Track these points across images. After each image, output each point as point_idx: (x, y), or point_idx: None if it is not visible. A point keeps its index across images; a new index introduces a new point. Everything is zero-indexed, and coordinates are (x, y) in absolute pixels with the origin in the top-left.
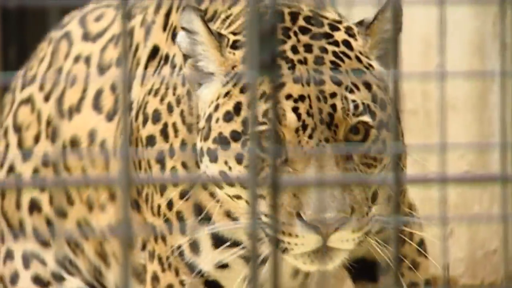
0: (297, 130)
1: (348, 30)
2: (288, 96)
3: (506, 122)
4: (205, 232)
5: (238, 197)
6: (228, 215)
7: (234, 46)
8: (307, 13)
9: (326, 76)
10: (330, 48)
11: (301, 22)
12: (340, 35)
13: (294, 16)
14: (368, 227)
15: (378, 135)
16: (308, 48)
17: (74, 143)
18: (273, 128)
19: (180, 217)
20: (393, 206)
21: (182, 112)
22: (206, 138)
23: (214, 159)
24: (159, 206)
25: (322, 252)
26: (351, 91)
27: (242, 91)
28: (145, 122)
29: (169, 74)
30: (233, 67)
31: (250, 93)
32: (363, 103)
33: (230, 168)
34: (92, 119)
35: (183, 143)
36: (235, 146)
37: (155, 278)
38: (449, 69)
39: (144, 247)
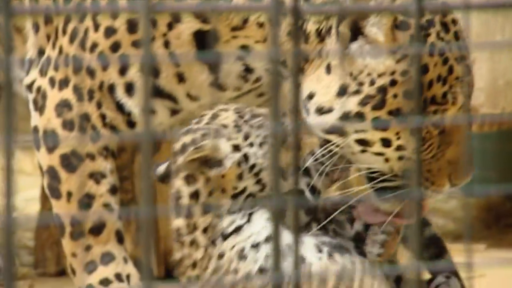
0: (459, 108)
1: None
2: (457, 78)
3: None
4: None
5: (364, 143)
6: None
7: (401, 26)
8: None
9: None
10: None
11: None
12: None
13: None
14: None
15: None
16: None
17: None
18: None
19: (121, 56)
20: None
21: None
22: (377, 108)
23: (383, 128)
24: (95, 44)
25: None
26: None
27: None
28: None
29: None
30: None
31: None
32: None
33: (398, 138)
34: None
35: None
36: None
37: (66, 106)
38: None
39: (43, 72)
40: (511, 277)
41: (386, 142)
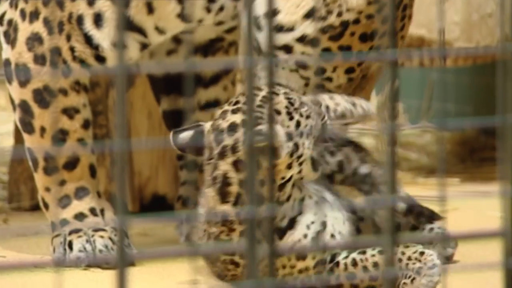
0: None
1: None
2: None
3: None
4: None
5: (302, 64)
6: None
7: None
8: None
9: None
10: None
11: None
12: None
13: None
14: None
15: None
16: None
17: None
18: None
19: None
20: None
21: None
22: (334, 39)
23: (327, 60)
24: None
25: None
26: None
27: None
28: None
29: None
30: None
31: None
32: None
33: (333, 71)
34: None
35: None
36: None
37: (37, 39)
38: None
39: (13, 4)
40: (484, 210)
41: (320, 71)
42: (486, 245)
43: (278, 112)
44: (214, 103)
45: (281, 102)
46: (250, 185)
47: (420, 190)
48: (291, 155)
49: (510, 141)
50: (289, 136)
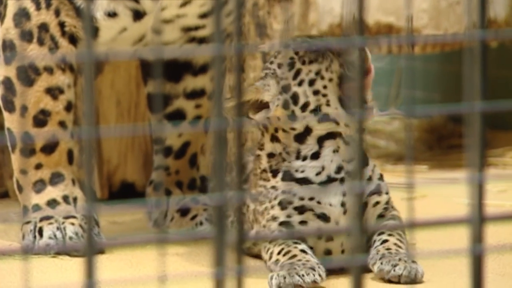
0: None
1: None
2: None
3: None
4: None
5: None
6: None
7: None
8: None
9: None
10: None
11: None
12: None
13: None
14: None
15: None
16: None
17: None
18: None
19: None
20: None
21: None
22: None
23: None
24: None
25: None
26: None
27: None
28: None
29: None
30: None
31: None
32: None
33: None
34: None
35: None
36: None
37: (24, 15)
38: None
39: None
40: (452, 197)
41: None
42: (453, 232)
43: (280, 65)
44: (200, 92)
45: (287, 54)
46: (219, 170)
47: (388, 177)
48: (285, 106)
49: (477, 128)
50: (285, 88)
